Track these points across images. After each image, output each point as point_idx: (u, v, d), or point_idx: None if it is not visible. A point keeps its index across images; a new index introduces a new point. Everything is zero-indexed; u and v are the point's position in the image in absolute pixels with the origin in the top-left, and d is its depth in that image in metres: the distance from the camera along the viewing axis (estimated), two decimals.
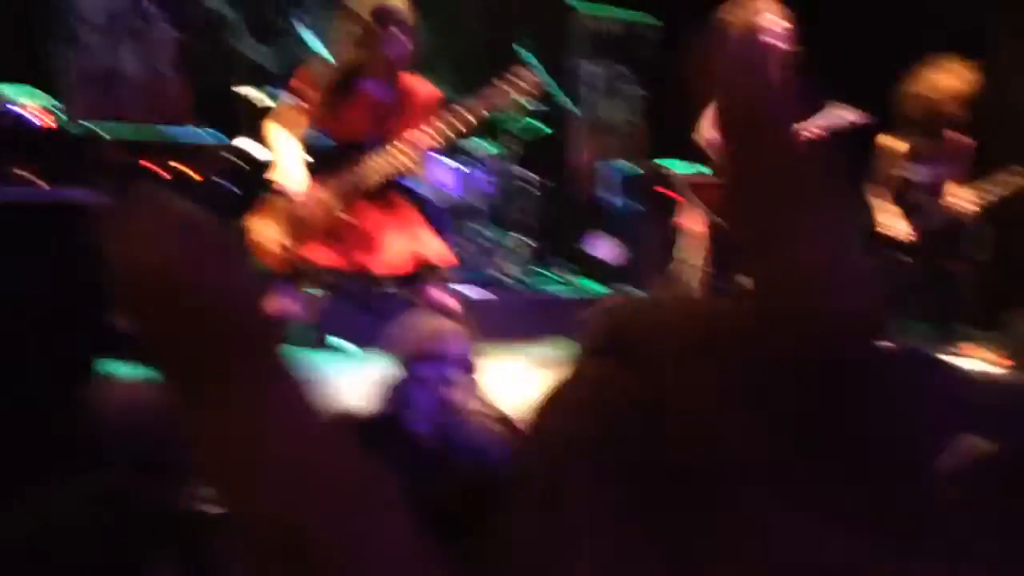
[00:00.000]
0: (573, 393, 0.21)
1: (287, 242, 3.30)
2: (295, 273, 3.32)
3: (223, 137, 5.56)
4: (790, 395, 0.19)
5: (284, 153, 3.31)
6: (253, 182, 5.70)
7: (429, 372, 2.10)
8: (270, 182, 3.37)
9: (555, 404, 0.21)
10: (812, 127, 4.29)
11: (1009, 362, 4.91)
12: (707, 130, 4.24)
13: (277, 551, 0.21)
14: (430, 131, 3.21)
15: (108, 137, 5.01)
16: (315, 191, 3.29)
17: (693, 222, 4.46)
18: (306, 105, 3.34)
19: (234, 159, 5.64)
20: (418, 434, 2.08)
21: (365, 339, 4.99)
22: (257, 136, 5.83)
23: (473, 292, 5.39)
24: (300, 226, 3.29)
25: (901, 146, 5.16)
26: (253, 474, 0.21)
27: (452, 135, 3.22)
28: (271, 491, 0.21)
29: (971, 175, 5.15)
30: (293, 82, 3.42)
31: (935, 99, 4.94)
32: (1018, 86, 6.59)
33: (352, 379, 4.30)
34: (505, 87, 3.26)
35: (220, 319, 0.21)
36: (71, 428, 2.09)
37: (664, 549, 0.19)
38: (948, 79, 4.93)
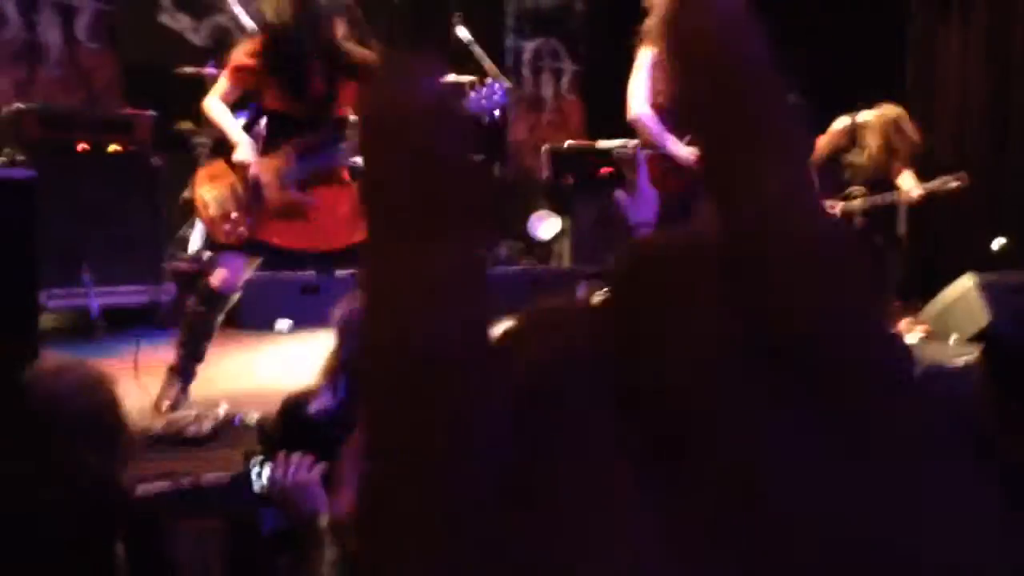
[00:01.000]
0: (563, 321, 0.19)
1: (238, 215, 3.24)
2: (242, 246, 3.26)
3: (152, 113, 5.41)
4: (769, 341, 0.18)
5: (236, 129, 3.26)
6: (184, 162, 5.61)
7: None
8: (221, 154, 3.31)
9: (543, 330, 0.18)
10: None
11: (928, 329, 5.13)
12: (637, 107, 4.25)
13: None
14: None
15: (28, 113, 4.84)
16: (271, 165, 3.24)
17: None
18: (249, 78, 3.27)
19: (166, 138, 5.52)
20: None
21: (304, 317, 4.95)
22: (191, 116, 5.71)
23: None
24: (253, 200, 3.24)
25: (840, 127, 5.33)
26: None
27: None
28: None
29: (912, 161, 5.33)
30: (236, 54, 3.34)
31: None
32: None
33: (291, 358, 4.30)
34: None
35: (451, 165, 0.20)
36: (10, 407, 2.04)
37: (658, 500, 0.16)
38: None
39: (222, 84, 3.30)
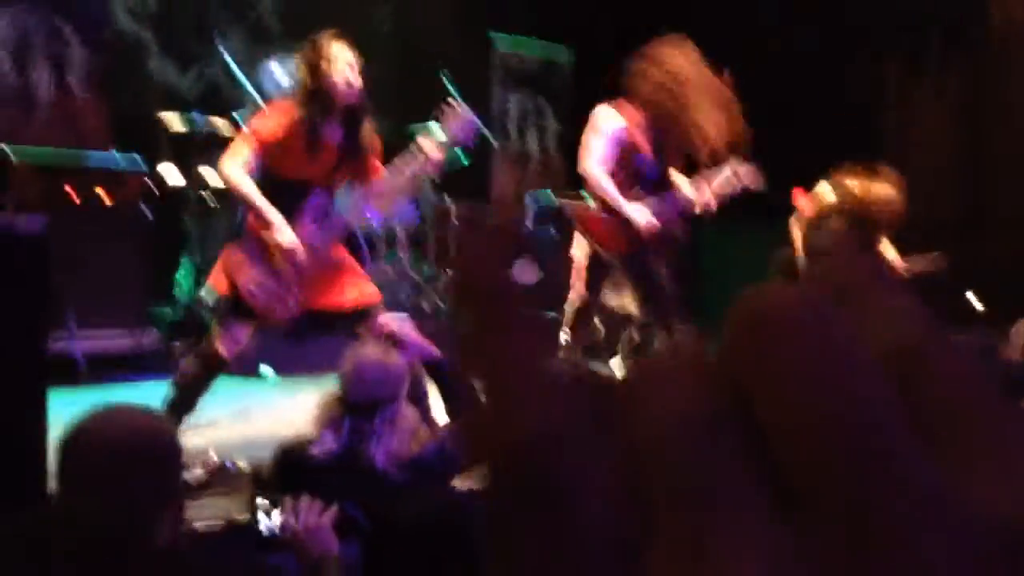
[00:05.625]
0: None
1: (287, 294, 3.28)
2: (252, 310, 3.30)
3: (140, 162, 5.46)
4: None
5: (271, 208, 3.26)
6: (169, 208, 5.64)
7: (387, 413, 2.15)
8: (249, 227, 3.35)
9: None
10: (710, 187, 4.26)
11: None
12: (584, 161, 4.25)
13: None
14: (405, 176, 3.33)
15: (17, 159, 4.87)
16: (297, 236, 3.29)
17: (578, 249, 4.56)
18: (275, 148, 3.28)
19: (152, 185, 5.57)
20: (379, 469, 2.11)
21: (295, 367, 4.96)
22: (176, 161, 5.77)
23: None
24: (295, 276, 3.29)
25: (828, 200, 5.40)
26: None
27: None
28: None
29: (893, 229, 5.46)
30: (263, 124, 3.34)
31: (870, 207, 5.16)
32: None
33: (277, 405, 4.31)
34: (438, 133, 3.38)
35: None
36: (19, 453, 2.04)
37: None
38: (880, 188, 5.16)
39: (246, 154, 3.28)
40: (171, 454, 1.34)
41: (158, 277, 5.51)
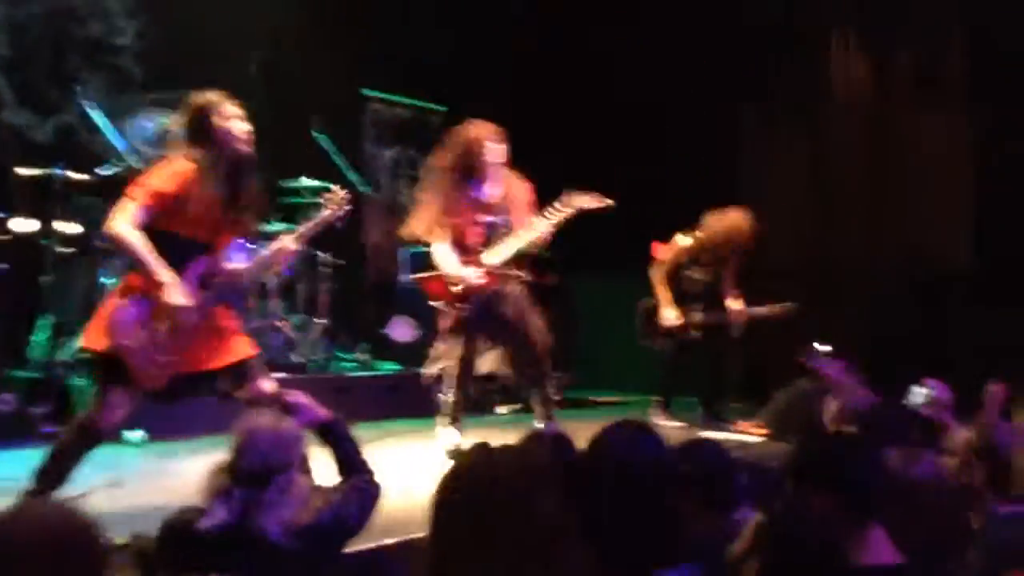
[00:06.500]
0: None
1: (163, 358, 3.15)
2: (131, 374, 3.13)
3: None
4: None
5: (164, 267, 3.14)
6: (24, 263, 5.36)
7: (281, 482, 2.10)
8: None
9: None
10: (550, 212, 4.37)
11: (766, 431, 5.42)
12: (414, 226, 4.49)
13: None
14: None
15: None
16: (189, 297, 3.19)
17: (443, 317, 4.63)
18: (168, 203, 3.17)
19: (7, 240, 5.29)
20: (273, 540, 2.06)
21: (166, 430, 4.75)
22: (32, 214, 5.49)
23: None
24: (177, 336, 3.17)
25: (684, 244, 5.72)
26: None
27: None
28: None
29: (739, 281, 5.79)
30: (155, 179, 3.21)
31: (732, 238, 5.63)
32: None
33: (158, 473, 4.09)
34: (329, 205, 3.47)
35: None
36: None
37: None
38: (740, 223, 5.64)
39: (133, 209, 3.14)
40: (96, 550, 1.29)
41: (12, 337, 5.21)
